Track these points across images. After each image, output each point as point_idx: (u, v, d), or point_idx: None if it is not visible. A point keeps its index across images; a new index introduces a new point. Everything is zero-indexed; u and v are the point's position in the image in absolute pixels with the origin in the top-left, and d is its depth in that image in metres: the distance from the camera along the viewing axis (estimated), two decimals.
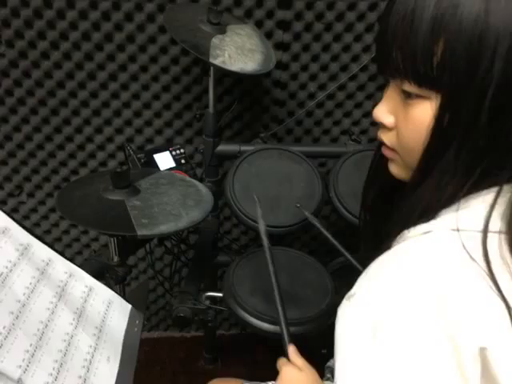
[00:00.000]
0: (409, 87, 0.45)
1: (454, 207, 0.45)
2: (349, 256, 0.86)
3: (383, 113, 0.51)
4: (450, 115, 0.44)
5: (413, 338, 0.38)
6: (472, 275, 0.39)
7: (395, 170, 0.55)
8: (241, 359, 1.53)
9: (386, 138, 0.52)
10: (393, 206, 0.54)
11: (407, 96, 0.47)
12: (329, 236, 0.88)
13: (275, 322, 0.79)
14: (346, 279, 0.97)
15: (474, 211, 0.44)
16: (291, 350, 0.68)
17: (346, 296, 0.45)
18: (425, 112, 0.45)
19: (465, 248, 0.40)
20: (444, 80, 0.43)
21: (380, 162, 0.59)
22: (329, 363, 0.91)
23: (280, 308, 0.70)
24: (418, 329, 0.38)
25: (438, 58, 0.42)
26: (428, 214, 0.46)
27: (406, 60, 0.44)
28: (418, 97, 0.45)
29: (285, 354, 0.69)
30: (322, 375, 0.90)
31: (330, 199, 1.06)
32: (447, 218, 0.44)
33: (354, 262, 0.85)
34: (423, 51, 0.43)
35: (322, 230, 0.89)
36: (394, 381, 0.38)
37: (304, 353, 0.68)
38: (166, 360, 1.55)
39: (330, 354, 0.95)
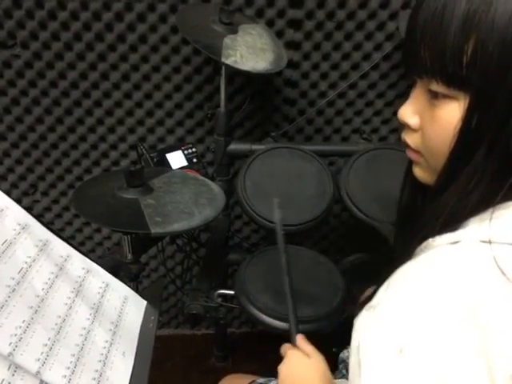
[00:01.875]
0: (436, 87, 0.44)
1: (482, 216, 0.43)
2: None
3: (408, 113, 0.50)
4: (478, 116, 0.42)
5: (444, 357, 0.36)
6: (504, 291, 0.38)
7: (419, 173, 0.53)
8: (251, 357, 1.54)
9: (411, 139, 0.51)
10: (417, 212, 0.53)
11: (434, 96, 0.45)
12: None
13: (287, 320, 0.80)
14: (357, 278, 0.97)
15: (505, 222, 0.42)
16: (300, 337, 0.66)
17: (367, 306, 0.43)
18: (452, 113, 0.44)
19: (496, 262, 0.39)
20: (473, 80, 0.41)
21: (410, 168, 0.56)
22: (342, 355, 0.90)
23: (289, 297, 0.69)
24: (450, 348, 0.36)
25: (468, 57, 0.41)
26: (454, 221, 0.44)
27: (435, 58, 0.43)
28: (446, 97, 0.44)
29: (291, 342, 0.66)
30: (332, 371, 0.90)
31: (341, 198, 1.07)
32: (476, 228, 0.43)
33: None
34: (453, 49, 0.41)
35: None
36: None
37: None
38: (177, 357, 1.56)
39: (340, 352, 0.95)
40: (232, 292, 0.97)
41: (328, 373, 0.62)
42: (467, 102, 0.43)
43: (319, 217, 1.02)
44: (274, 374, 0.86)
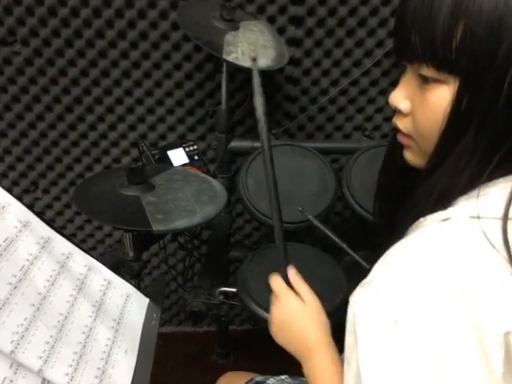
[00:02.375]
0: (427, 71, 0.46)
1: (471, 194, 0.45)
2: (356, 256, 0.85)
3: (399, 98, 0.51)
4: (468, 99, 0.44)
5: (437, 327, 0.38)
6: (494, 263, 0.39)
7: (411, 157, 0.55)
8: (253, 354, 1.54)
9: (402, 124, 0.52)
10: (407, 193, 0.54)
11: (424, 81, 0.47)
12: (333, 237, 0.86)
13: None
14: (359, 275, 0.97)
15: (492, 199, 0.43)
16: (292, 272, 0.63)
17: (361, 283, 0.45)
18: (442, 96, 0.45)
19: (485, 236, 0.40)
20: (463, 63, 0.43)
21: (395, 150, 0.59)
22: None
23: (276, 212, 0.61)
24: (442, 318, 0.38)
25: (457, 42, 0.42)
26: (444, 200, 0.46)
27: (425, 44, 0.44)
28: (436, 81, 0.46)
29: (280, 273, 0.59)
30: None
31: (343, 195, 1.06)
32: (465, 205, 0.44)
33: (361, 261, 0.83)
34: (443, 35, 0.43)
35: (326, 231, 0.87)
36: (419, 372, 0.38)
37: None
38: (179, 355, 1.56)
39: (342, 349, 0.95)
40: (234, 289, 0.97)
41: (324, 317, 0.61)
42: (457, 85, 0.44)
43: (321, 214, 1.02)
44: (275, 371, 0.87)
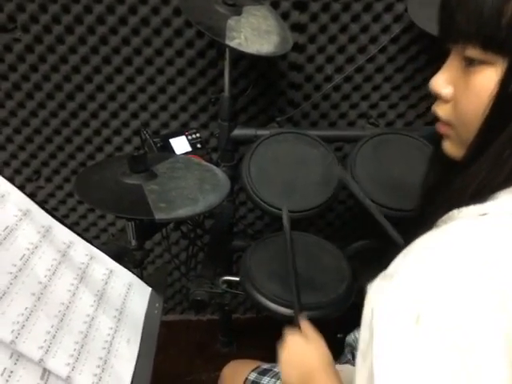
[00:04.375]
0: (472, 52, 0.43)
1: None
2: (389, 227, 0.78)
3: (441, 83, 0.48)
4: None
5: (461, 326, 0.35)
6: None
7: (449, 147, 0.51)
8: (256, 343, 1.54)
9: (442, 111, 0.49)
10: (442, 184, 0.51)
11: (469, 63, 0.44)
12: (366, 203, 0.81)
13: (292, 306, 0.79)
14: (363, 264, 0.96)
15: None
16: (304, 322, 0.64)
17: (382, 275, 0.41)
18: (488, 79, 0.42)
19: None
20: None
21: (439, 145, 0.54)
22: (348, 338, 0.90)
23: (293, 278, 0.68)
24: (471, 322, 0.35)
25: (507, 19, 0.40)
26: (482, 193, 0.43)
27: (471, 21, 0.42)
28: (482, 63, 0.43)
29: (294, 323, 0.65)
30: (337, 359, 0.90)
31: (347, 183, 1.05)
32: (508, 200, 0.41)
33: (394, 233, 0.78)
34: (491, 11, 0.40)
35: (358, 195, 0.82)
36: (436, 371, 0.35)
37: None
38: (182, 343, 1.57)
39: (345, 338, 0.95)
40: (237, 278, 0.97)
41: (329, 356, 0.60)
42: (505, 66, 0.41)
43: (325, 203, 1.01)
44: (278, 359, 0.87)
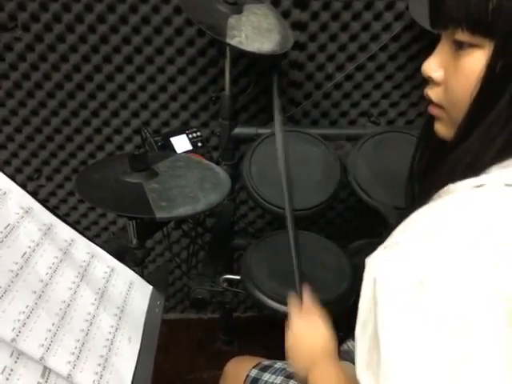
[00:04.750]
0: (461, 35, 0.45)
1: (506, 163, 0.44)
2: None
3: (432, 67, 0.50)
4: (503, 62, 0.43)
5: (465, 294, 0.36)
6: None
7: (441, 129, 0.54)
8: (257, 341, 1.54)
9: (434, 93, 0.51)
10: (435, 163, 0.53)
11: (459, 47, 0.46)
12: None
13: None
14: (364, 263, 0.96)
15: None
16: (306, 294, 0.67)
17: (381, 247, 0.43)
18: (477, 61, 0.44)
19: None
20: (499, 26, 0.42)
21: (428, 128, 0.57)
22: (344, 347, 0.90)
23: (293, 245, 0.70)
24: (472, 286, 0.36)
25: (493, 4, 0.41)
26: (475, 168, 0.45)
27: (460, 7, 0.44)
28: (471, 46, 0.45)
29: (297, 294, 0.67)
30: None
31: (348, 182, 1.05)
32: (500, 173, 0.43)
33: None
34: None
35: None
36: (441, 338, 0.36)
37: None
38: (184, 341, 1.57)
39: (347, 336, 0.95)
40: (238, 277, 0.97)
41: (330, 339, 0.62)
42: (492, 48, 0.43)
43: (326, 202, 1.01)
44: (278, 358, 0.87)
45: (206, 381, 1.42)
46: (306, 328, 0.64)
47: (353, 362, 0.84)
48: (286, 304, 0.84)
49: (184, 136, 1.05)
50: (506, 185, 0.41)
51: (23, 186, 1.42)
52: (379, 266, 0.41)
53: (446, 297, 0.37)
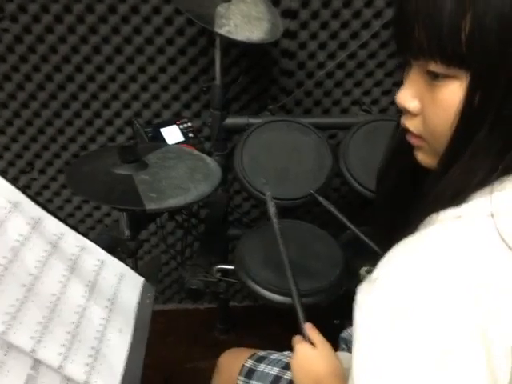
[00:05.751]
0: (435, 67, 0.42)
1: (486, 190, 0.42)
2: (356, 230, 0.87)
3: (407, 98, 0.47)
4: (481, 94, 0.41)
5: (440, 325, 0.36)
6: (507, 264, 0.37)
7: (423, 157, 0.51)
8: (254, 330, 1.55)
9: (412, 125, 0.49)
10: (415, 189, 0.52)
11: (433, 77, 0.43)
12: (337, 214, 0.87)
13: (286, 294, 0.80)
14: (357, 251, 0.97)
15: (508, 194, 0.41)
16: (308, 325, 0.67)
17: (368, 279, 0.43)
18: (454, 93, 0.42)
19: (499, 233, 0.38)
20: (474, 57, 0.40)
21: (403, 147, 0.54)
22: (343, 334, 0.91)
23: (294, 287, 0.69)
24: (448, 316, 0.36)
25: (466, 34, 0.39)
26: (458, 197, 0.44)
27: (431, 39, 0.41)
28: (446, 77, 0.42)
29: (300, 332, 0.68)
30: (335, 346, 0.91)
31: (341, 171, 1.05)
32: (480, 202, 0.42)
33: (361, 236, 0.85)
34: (450, 27, 0.39)
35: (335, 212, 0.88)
36: (414, 364, 0.36)
37: (316, 324, 0.67)
38: (181, 331, 1.58)
39: (342, 324, 0.96)
40: (231, 267, 0.98)
41: (336, 361, 0.63)
42: (468, 80, 0.41)
43: (318, 190, 1.01)
44: (275, 347, 0.88)
45: (203, 370, 1.43)
46: (310, 351, 0.64)
47: (350, 350, 0.85)
48: (279, 293, 0.85)
49: (175, 127, 1.04)
50: (486, 215, 0.40)
51: (16, 179, 1.41)
52: (359, 301, 0.42)
53: (425, 328, 0.37)
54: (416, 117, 0.48)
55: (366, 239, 0.87)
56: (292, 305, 0.69)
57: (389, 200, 0.63)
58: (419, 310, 0.37)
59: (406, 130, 0.51)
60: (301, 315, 0.69)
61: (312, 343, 0.65)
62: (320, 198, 0.96)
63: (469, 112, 0.42)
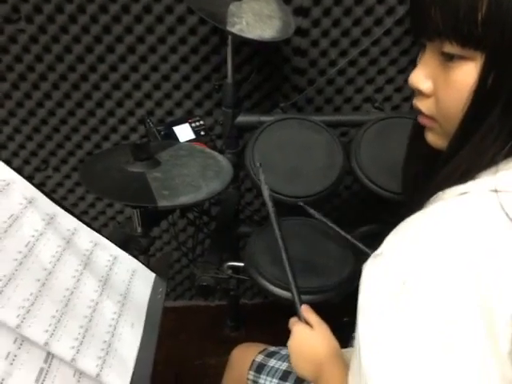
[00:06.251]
0: (450, 48, 0.43)
1: (493, 169, 0.43)
2: (350, 238, 0.90)
3: (420, 78, 0.48)
4: (495, 75, 0.41)
5: (443, 294, 0.37)
6: (510, 238, 0.38)
7: (433, 138, 0.52)
8: (264, 327, 1.56)
9: (424, 105, 0.49)
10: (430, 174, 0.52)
11: (448, 58, 0.44)
12: (329, 223, 0.87)
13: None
14: (368, 248, 0.97)
15: None
16: (304, 308, 0.67)
17: (373, 254, 0.44)
18: (468, 74, 0.43)
19: (503, 209, 0.39)
20: (490, 38, 0.40)
21: (418, 133, 0.55)
22: (355, 333, 0.91)
23: (289, 271, 0.70)
24: (450, 287, 0.37)
25: (482, 14, 0.39)
26: (467, 177, 0.44)
27: (447, 18, 0.41)
28: (461, 58, 0.43)
29: (297, 315, 0.68)
30: (344, 343, 0.91)
31: (352, 169, 1.05)
32: (486, 180, 0.43)
33: (356, 242, 0.87)
34: (466, 7, 0.40)
35: (330, 223, 0.87)
36: (422, 342, 0.37)
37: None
38: (192, 328, 1.60)
39: (352, 322, 0.95)
40: (242, 264, 0.98)
41: (334, 341, 0.63)
42: (483, 61, 0.42)
43: (329, 188, 1.01)
44: (285, 344, 0.88)
45: (213, 366, 1.44)
46: (307, 333, 0.64)
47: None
48: (288, 290, 0.85)
49: (187, 125, 1.05)
50: (491, 190, 0.41)
51: (31, 177, 1.44)
52: (365, 275, 0.43)
53: (428, 299, 0.38)
54: (429, 98, 0.49)
55: (360, 245, 0.88)
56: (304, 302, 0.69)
57: (413, 182, 0.63)
58: (422, 283, 0.38)
59: (418, 112, 0.51)
60: (297, 298, 0.68)
61: (309, 324, 0.65)
62: (311, 210, 0.95)
63: (482, 93, 0.42)
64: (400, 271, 0.40)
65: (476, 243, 0.38)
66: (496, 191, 0.40)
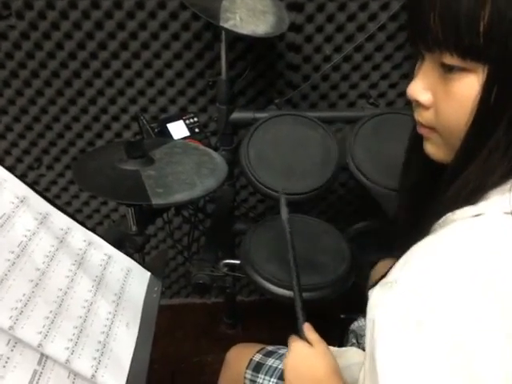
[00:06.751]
0: (450, 60, 0.41)
1: (504, 187, 0.41)
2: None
3: (419, 90, 0.46)
4: (498, 89, 0.39)
5: (462, 328, 0.35)
6: None
7: (432, 150, 0.50)
8: (261, 324, 1.56)
9: (424, 118, 0.48)
10: (435, 187, 0.50)
11: (448, 70, 0.42)
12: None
13: (292, 288, 0.79)
14: (363, 246, 0.97)
15: None
16: (306, 326, 0.65)
17: (382, 283, 0.42)
18: (469, 86, 0.41)
19: None
20: (492, 50, 0.38)
21: (416, 146, 0.53)
22: (352, 326, 0.91)
23: (296, 288, 0.67)
24: (469, 319, 0.35)
25: (484, 25, 0.37)
26: (475, 197, 0.42)
27: (448, 29, 0.39)
28: (462, 70, 0.41)
29: (298, 332, 0.65)
30: (342, 339, 0.91)
31: (347, 165, 1.04)
32: (498, 200, 0.41)
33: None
34: (468, 18, 0.38)
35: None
36: (438, 373, 0.35)
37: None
38: (188, 326, 1.60)
39: (348, 319, 0.95)
40: (238, 261, 0.98)
41: (333, 360, 0.60)
42: (485, 73, 0.40)
43: (324, 185, 1.01)
44: (282, 341, 0.88)
45: (210, 363, 1.44)
46: (306, 351, 0.61)
47: (360, 345, 0.84)
48: (284, 287, 0.85)
49: (181, 122, 1.04)
50: (505, 213, 0.39)
51: (24, 175, 1.42)
52: (378, 306, 0.40)
53: (447, 336, 0.35)
54: (427, 110, 0.47)
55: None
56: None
57: (410, 196, 0.61)
58: (439, 313, 0.36)
59: (418, 123, 0.50)
60: (301, 316, 0.66)
61: (309, 342, 0.62)
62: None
63: (485, 108, 0.41)
64: (414, 307, 0.37)
65: (497, 273, 0.36)
66: (511, 213, 0.38)
